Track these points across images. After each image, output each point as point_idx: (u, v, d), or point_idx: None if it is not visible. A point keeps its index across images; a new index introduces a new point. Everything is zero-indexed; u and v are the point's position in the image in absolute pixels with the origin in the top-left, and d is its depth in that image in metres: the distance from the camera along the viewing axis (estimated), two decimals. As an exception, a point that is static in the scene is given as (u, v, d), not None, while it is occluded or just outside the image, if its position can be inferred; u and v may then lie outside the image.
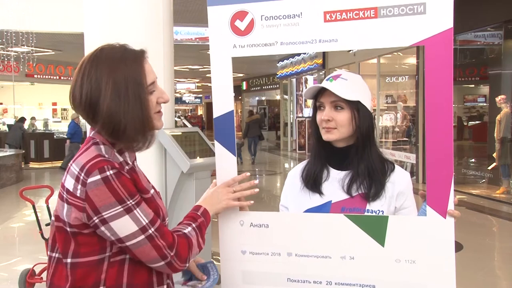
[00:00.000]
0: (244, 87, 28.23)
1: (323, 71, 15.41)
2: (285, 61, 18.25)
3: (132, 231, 1.18)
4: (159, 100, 1.28)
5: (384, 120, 12.31)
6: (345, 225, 1.41)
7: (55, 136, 15.01)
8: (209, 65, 1.54)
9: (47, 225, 4.21)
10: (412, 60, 11.16)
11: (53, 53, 16.04)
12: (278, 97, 24.99)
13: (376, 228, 1.39)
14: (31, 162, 14.40)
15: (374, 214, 1.50)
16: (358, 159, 1.53)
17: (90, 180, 1.16)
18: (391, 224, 1.38)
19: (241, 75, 25.68)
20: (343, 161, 1.56)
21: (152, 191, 1.31)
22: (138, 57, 1.25)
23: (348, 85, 1.53)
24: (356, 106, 1.53)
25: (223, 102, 1.51)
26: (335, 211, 1.51)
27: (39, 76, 18.36)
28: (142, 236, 1.19)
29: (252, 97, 29.40)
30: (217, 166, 1.54)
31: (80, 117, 11.04)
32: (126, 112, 1.20)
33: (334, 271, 1.43)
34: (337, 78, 1.54)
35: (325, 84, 1.53)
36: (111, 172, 1.17)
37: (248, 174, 1.61)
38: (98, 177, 1.16)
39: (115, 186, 1.17)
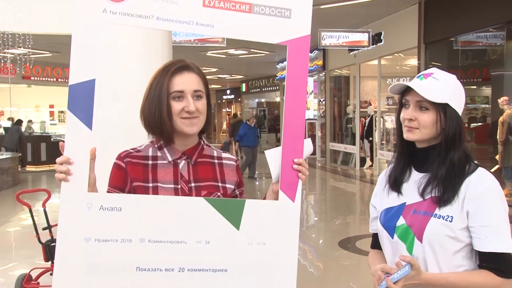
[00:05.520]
0: (244, 89, 28.24)
1: (323, 73, 15.42)
2: (285, 63, 18.24)
3: None
4: (185, 109, 1.49)
5: (385, 122, 12.33)
6: (204, 209, 1.43)
7: (52, 139, 14.98)
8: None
9: (44, 229, 4.21)
10: (413, 62, 11.18)
11: (50, 55, 16.04)
12: (278, 99, 25.00)
13: (233, 212, 1.44)
14: (27, 165, 14.38)
15: (441, 219, 1.44)
16: (439, 162, 1.49)
17: None
18: (247, 208, 1.45)
19: (240, 76, 25.68)
20: (424, 162, 1.54)
21: (162, 184, 1.52)
22: (174, 68, 1.51)
23: (438, 86, 1.49)
24: (443, 108, 1.48)
25: (83, 68, 1.40)
26: (406, 214, 1.52)
27: (36, 78, 18.36)
28: None
29: (251, 99, 29.40)
30: (67, 140, 1.39)
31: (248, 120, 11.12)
32: (148, 109, 1.51)
33: (188, 257, 1.42)
34: (428, 76, 1.51)
35: (412, 82, 1.51)
36: (115, 160, 1.57)
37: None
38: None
39: (111, 171, 1.57)
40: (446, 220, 1.44)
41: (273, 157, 1.49)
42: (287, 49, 1.48)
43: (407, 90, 1.54)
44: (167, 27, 1.45)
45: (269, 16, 1.48)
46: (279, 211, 1.47)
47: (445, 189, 1.46)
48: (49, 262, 4.20)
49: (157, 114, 1.49)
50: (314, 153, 15.68)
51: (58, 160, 1.39)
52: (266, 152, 1.51)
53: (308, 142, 1.51)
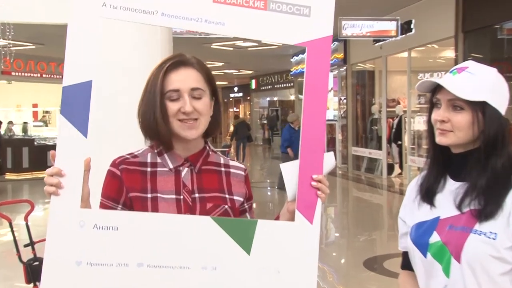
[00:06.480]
0: (254, 86, 28.29)
1: (345, 67, 15.41)
2: (300, 56, 18.27)
3: None
4: (181, 110, 1.50)
5: (417, 124, 12.27)
6: (211, 230, 1.43)
7: (35, 143, 15.12)
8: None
9: (26, 246, 4.23)
10: (449, 54, 11.13)
11: (33, 47, 16.20)
12: (292, 97, 25.01)
13: (243, 234, 1.44)
14: (7, 173, 14.51)
15: (483, 236, 1.42)
16: (479, 169, 1.48)
17: None
18: (259, 229, 1.45)
19: (250, 72, 25.74)
20: (461, 170, 1.53)
21: (162, 195, 1.53)
22: (168, 64, 1.52)
23: (474, 81, 1.47)
24: (480, 108, 1.46)
25: (79, 68, 1.40)
26: (441, 230, 1.51)
27: (17, 74, 18.53)
28: None
29: (262, 98, 29.46)
30: (59, 149, 1.39)
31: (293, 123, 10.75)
32: (142, 111, 1.53)
33: (191, 284, 1.41)
34: (462, 71, 1.50)
35: (443, 78, 1.50)
36: (109, 167, 1.58)
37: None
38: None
39: (105, 180, 1.59)
40: (488, 237, 1.42)
41: (289, 172, 1.47)
42: (306, 51, 1.49)
43: (438, 88, 1.53)
44: (173, 24, 1.45)
45: (286, 14, 1.49)
46: (295, 234, 1.46)
47: (487, 201, 1.45)
48: (31, 285, 4.22)
49: (151, 117, 1.50)
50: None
51: (48, 171, 1.38)
52: (281, 166, 1.50)
53: (329, 156, 1.51)
